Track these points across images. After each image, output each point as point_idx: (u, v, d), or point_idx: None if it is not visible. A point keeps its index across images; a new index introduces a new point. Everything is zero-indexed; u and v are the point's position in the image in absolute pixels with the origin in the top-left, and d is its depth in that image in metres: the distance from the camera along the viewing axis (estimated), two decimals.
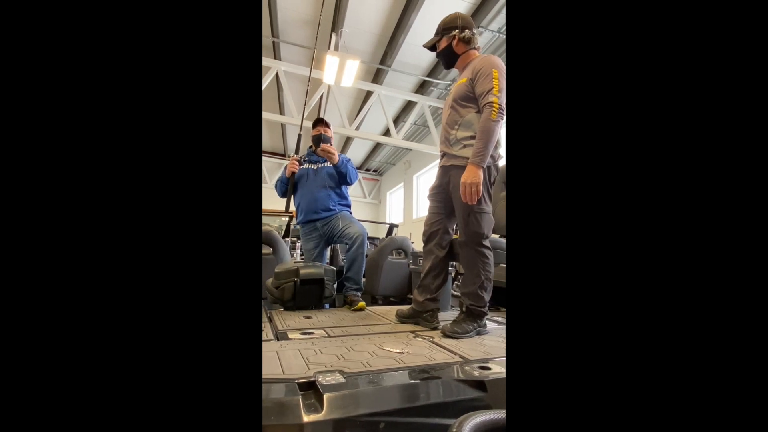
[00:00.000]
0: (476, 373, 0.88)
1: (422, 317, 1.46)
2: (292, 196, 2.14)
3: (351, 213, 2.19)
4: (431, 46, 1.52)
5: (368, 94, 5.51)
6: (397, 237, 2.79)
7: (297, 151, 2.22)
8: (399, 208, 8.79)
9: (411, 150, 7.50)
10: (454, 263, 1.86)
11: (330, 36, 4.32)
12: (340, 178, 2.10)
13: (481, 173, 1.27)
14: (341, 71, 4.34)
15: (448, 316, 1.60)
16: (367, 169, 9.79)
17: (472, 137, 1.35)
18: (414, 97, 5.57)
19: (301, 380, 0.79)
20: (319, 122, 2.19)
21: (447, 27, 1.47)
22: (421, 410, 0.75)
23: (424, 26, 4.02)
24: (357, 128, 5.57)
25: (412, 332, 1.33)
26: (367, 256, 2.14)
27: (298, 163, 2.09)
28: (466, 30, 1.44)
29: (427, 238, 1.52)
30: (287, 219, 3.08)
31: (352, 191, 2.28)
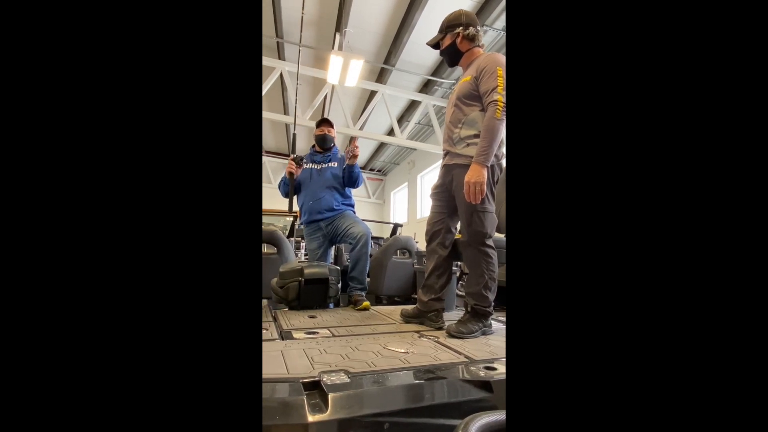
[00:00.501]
0: (482, 374, 0.87)
1: (427, 317, 1.45)
2: (295, 197, 2.15)
3: (355, 212, 2.19)
4: (435, 44, 1.51)
5: (372, 93, 5.51)
6: (402, 236, 2.78)
7: (293, 151, 2.22)
8: (403, 207, 8.78)
9: (415, 149, 7.49)
10: (459, 263, 1.85)
11: (334, 36, 4.32)
12: (350, 180, 2.10)
13: (485, 172, 1.27)
14: (345, 71, 4.34)
15: (452, 316, 1.60)
16: (371, 169, 9.79)
17: (476, 136, 1.34)
18: (418, 97, 5.56)
19: (305, 380, 0.79)
20: (324, 122, 2.19)
21: (451, 24, 1.46)
22: (427, 411, 0.75)
23: (428, 25, 4.01)
24: (361, 128, 5.57)
25: (417, 332, 1.33)
26: (371, 255, 2.14)
27: (294, 164, 2.09)
28: (470, 27, 1.43)
29: (430, 238, 1.52)
30: (291, 219, 3.09)
31: (356, 191, 2.29)
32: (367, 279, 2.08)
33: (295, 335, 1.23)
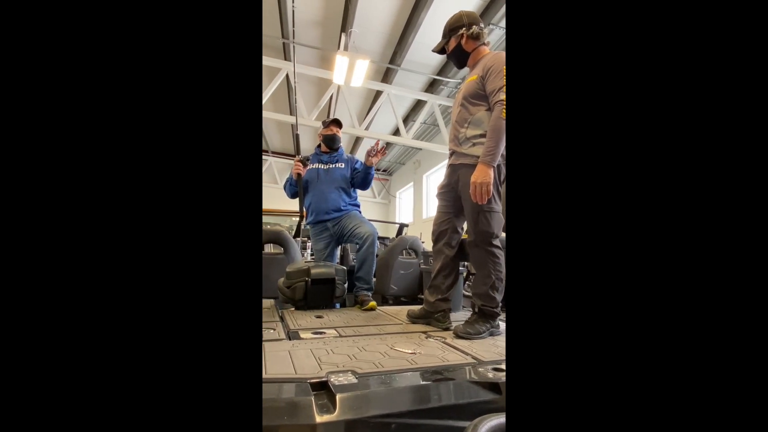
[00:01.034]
0: (490, 375, 0.86)
1: (434, 317, 1.45)
2: (303, 197, 2.15)
3: (360, 213, 2.19)
4: (440, 50, 1.51)
5: (378, 93, 5.51)
6: (408, 237, 2.78)
7: (298, 152, 2.22)
8: (409, 207, 8.76)
9: (421, 149, 7.48)
10: (466, 263, 1.84)
11: (339, 36, 4.33)
12: (364, 181, 2.10)
13: (491, 172, 1.26)
14: (351, 71, 4.34)
15: (459, 316, 1.59)
16: (377, 169, 9.79)
17: (482, 135, 1.33)
18: (424, 96, 5.55)
19: (313, 380, 0.79)
20: (333, 122, 2.19)
21: (453, 27, 1.45)
22: (434, 412, 0.74)
23: (434, 25, 4.00)
24: (366, 128, 5.58)
25: (424, 333, 1.32)
26: (377, 255, 2.14)
27: (302, 164, 2.09)
28: (474, 26, 1.42)
29: (436, 238, 1.51)
30: (298, 219, 3.11)
31: (361, 191, 2.29)
32: (374, 279, 2.08)
33: (302, 335, 1.24)
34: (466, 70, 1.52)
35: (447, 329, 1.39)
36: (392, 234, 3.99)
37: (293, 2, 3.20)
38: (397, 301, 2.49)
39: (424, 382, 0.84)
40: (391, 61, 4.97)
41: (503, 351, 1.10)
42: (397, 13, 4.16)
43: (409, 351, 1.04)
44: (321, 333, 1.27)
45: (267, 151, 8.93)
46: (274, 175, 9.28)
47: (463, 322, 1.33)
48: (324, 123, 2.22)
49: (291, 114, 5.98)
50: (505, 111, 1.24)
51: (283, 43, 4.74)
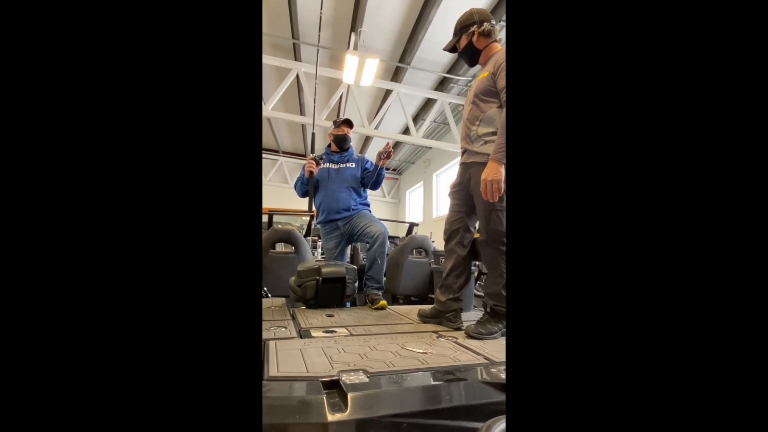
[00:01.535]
0: (502, 376, 0.85)
1: (445, 317, 1.44)
2: (314, 196, 2.16)
3: (371, 212, 2.19)
4: (451, 48, 1.49)
5: (387, 92, 5.50)
6: (418, 236, 2.77)
7: (312, 150, 2.24)
8: (419, 206, 8.74)
9: (431, 148, 7.44)
10: (478, 263, 1.83)
11: (349, 36, 4.34)
12: (376, 181, 2.12)
13: (502, 170, 1.24)
14: (360, 70, 4.35)
15: (471, 316, 1.58)
16: (387, 168, 9.79)
17: (494, 133, 1.31)
18: (434, 95, 5.51)
19: (324, 379, 0.79)
20: (345, 123, 2.20)
21: (464, 25, 1.44)
22: (446, 413, 0.74)
23: (443, 22, 3.97)
24: (376, 127, 5.58)
25: (435, 332, 1.31)
26: (387, 255, 2.14)
27: (315, 163, 2.11)
28: (485, 23, 1.41)
29: (448, 237, 1.50)
30: (308, 218, 3.13)
31: (371, 190, 2.30)
32: (384, 278, 2.08)
33: (313, 334, 1.24)
34: (477, 67, 1.50)
35: (458, 329, 1.38)
36: (402, 233, 3.98)
37: (320, 7, 3.17)
38: (408, 301, 2.48)
39: (435, 383, 0.83)
40: (401, 60, 4.95)
41: None
42: (407, 11, 4.15)
43: (421, 351, 1.04)
44: (332, 332, 1.27)
45: (278, 151, 9.02)
46: (285, 174, 9.36)
47: (474, 322, 1.32)
48: (335, 123, 2.23)
49: (301, 114, 6.02)
50: None
51: (293, 44, 4.77)
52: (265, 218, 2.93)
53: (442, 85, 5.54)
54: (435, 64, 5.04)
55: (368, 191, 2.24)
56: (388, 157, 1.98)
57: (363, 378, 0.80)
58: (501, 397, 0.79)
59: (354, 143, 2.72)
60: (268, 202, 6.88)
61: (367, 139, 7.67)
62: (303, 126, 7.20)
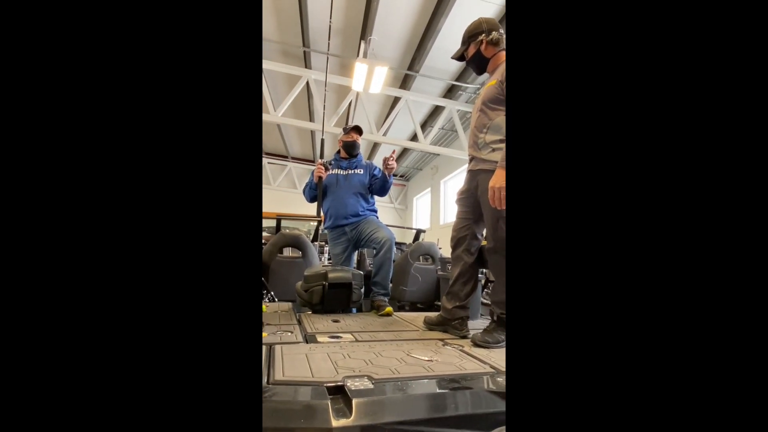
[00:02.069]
0: None
1: (451, 325, 1.43)
2: (322, 201, 2.18)
3: (378, 218, 2.20)
4: (459, 56, 1.51)
5: (396, 99, 5.54)
6: (425, 242, 2.76)
7: (321, 156, 2.26)
8: (426, 213, 8.72)
9: (438, 155, 7.44)
10: (485, 270, 1.81)
11: (359, 43, 4.39)
12: (383, 189, 2.14)
13: None
14: (370, 78, 4.39)
15: (477, 324, 1.56)
16: (394, 175, 9.82)
17: (502, 141, 1.31)
18: (442, 102, 5.53)
19: (329, 384, 0.79)
20: (354, 129, 2.22)
21: (473, 34, 1.45)
22: (451, 421, 0.73)
23: (452, 31, 3.99)
24: (384, 134, 5.61)
25: (441, 340, 1.30)
26: (394, 261, 2.14)
27: (323, 168, 2.13)
28: (493, 32, 1.42)
29: (455, 244, 1.50)
30: (316, 223, 3.15)
31: (379, 197, 2.31)
32: (390, 285, 2.08)
33: (319, 339, 1.24)
34: (485, 75, 1.51)
35: (464, 337, 1.36)
36: (409, 239, 3.98)
37: (330, 16, 3.24)
38: (414, 308, 2.47)
39: (440, 390, 0.82)
40: (410, 68, 4.99)
41: None
42: (416, 20, 4.19)
43: (426, 358, 1.03)
44: (338, 337, 1.27)
45: (287, 157, 9.11)
46: (294, 180, 9.44)
47: (481, 331, 1.31)
48: (345, 129, 2.25)
49: (311, 120, 6.09)
50: None
51: (304, 52, 4.85)
52: (273, 223, 2.96)
53: (450, 92, 5.56)
54: (443, 72, 5.07)
55: (375, 197, 2.25)
56: (391, 169, 2.03)
57: (368, 384, 0.80)
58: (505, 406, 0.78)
59: (362, 150, 2.74)
60: (276, 207, 6.93)
61: (375, 146, 7.71)
62: (312, 132, 7.28)
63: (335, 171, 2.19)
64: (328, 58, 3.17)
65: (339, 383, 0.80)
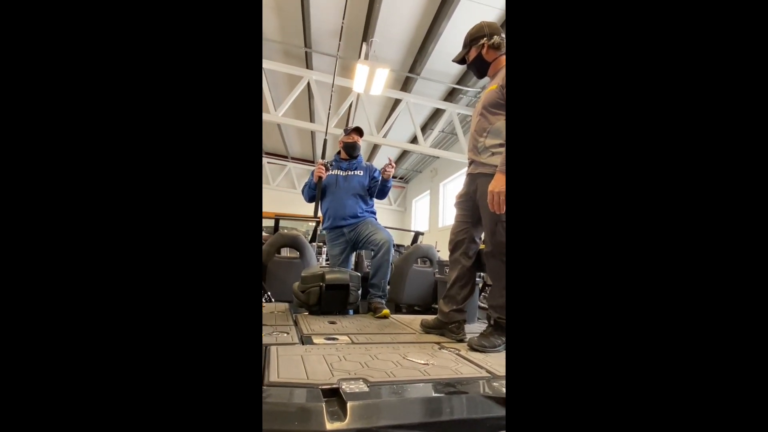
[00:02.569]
0: (505, 390, 0.84)
1: (448, 328, 1.42)
2: (320, 202, 2.18)
3: (376, 220, 2.20)
4: (461, 60, 1.51)
5: (397, 102, 5.54)
6: (423, 245, 2.76)
7: (323, 156, 2.26)
8: (425, 215, 8.72)
9: (438, 158, 7.46)
10: (482, 274, 1.81)
11: (360, 45, 4.40)
12: (382, 192, 2.15)
13: None
14: (371, 80, 4.39)
15: (474, 328, 1.56)
16: (393, 177, 9.82)
17: (501, 145, 1.31)
18: (443, 105, 5.54)
19: (324, 386, 0.78)
20: (355, 131, 2.22)
21: (474, 37, 1.45)
22: (446, 426, 0.72)
23: (454, 34, 4.01)
24: (384, 136, 5.61)
25: (437, 343, 1.30)
26: (392, 263, 2.13)
27: (324, 168, 2.13)
28: (495, 36, 1.42)
29: (453, 247, 1.49)
30: (314, 224, 3.14)
31: (378, 199, 2.32)
32: (387, 287, 2.07)
33: (315, 340, 1.24)
34: (485, 79, 1.51)
35: (461, 341, 1.36)
36: (407, 242, 3.97)
37: (343, 17, 3.27)
38: (411, 310, 2.46)
39: (436, 395, 0.82)
40: (411, 70, 5.00)
41: None
42: (418, 22, 4.20)
43: (422, 362, 1.02)
44: (334, 339, 1.27)
45: (287, 157, 9.10)
46: (293, 180, 9.43)
47: (478, 335, 1.30)
48: (345, 131, 2.25)
49: (311, 121, 6.09)
50: None
51: (306, 52, 4.85)
52: (271, 223, 2.95)
53: (451, 95, 5.57)
54: (444, 75, 5.08)
55: (374, 199, 2.25)
56: (389, 174, 2.06)
57: (363, 387, 0.79)
58: (502, 411, 0.77)
59: (363, 151, 2.75)
60: (275, 207, 6.92)
61: (375, 148, 7.71)
62: (312, 133, 7.28)
63: (335, 172, 2.19)
64: (337, 60, 3.18)
65: (334, 386, 0.79)
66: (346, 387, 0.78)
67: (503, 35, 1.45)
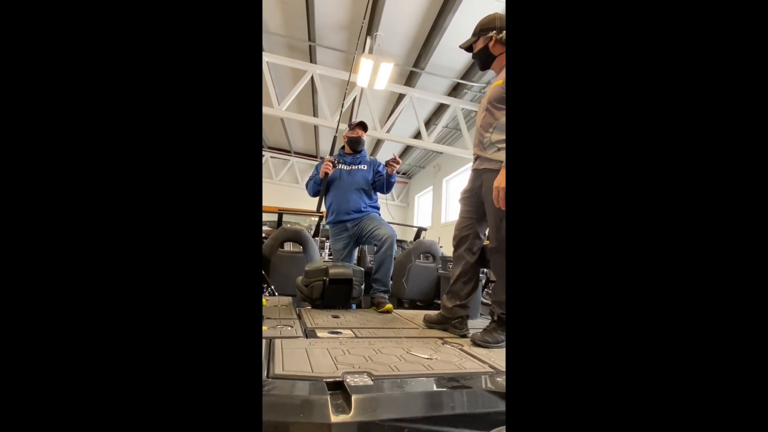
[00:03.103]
0: None
1: (451, 324, 1.43)
2: (324, 197, 2.18)
3: (380, 215, 2.20)
4: (468, 47, 1.50)
5: (400, 96, 5.51)
6: (426, 240, 2.76)
7: (332, 153, 2.25)
8: (427, 211, 8.71)
9: (441, 153, 7.42)
10: (486, 270, 1.81)
11: (365, 39, 4.37)
12: (386, 186, 2.15)
13: None
14: (375, 74, 4.37)
15: (477, 324, 1.56)
16: (397, 172, 9.80)
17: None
18: (447, 100, 5.51)
19: (329, 380, 0.79)
20: (359, 125, 2.22)
21: (484, 28, 1.44)
22: (449, 420, 0.73)
23: (459, 29, 3.97)
24: (388, 131, 5.59)
25: (441, 338, 1.30)
26: (395, 258, 2.14)
27: (332, 165, 2.12)
28: (504, 32, 1.40)
29: (457, 243, 1.49)
30: (317, 219, 3.15)
31: (380, 194, 2.32)
32: (390, 282, 2.08)
33: (318, 334, 1.24)
34: (491, 74, 1.50)
35: (464, 336, 1.36)
36: (410, 237, 3.97)
37: (364, 15, 3.23)
38: (413, 306, 2.47)
39: (439, 389, 0.82)
40: (415, 65, 4.96)
41: None
42: (423, 16, 4.16)
43: (426, 356, 1.03)
44: (337, 333, 1.27)
45: (290, 152, 9.10)
46: (296, 174, 9.43)
47: (481, 330, 1.31)
48: (350, 125, 2.25)
49: (314, 116, 6.07)
50: None
51: (309, 46, 4.83)
52: (274, 217, 2.96)
53: (455, 90, 5.53)
54: (449, 70, 5.04)
55: (378, 194, 2.24)
56: (396, 163, 2.06)
57: (367, 381, 0.80)
58: (505, 406, 0.78)
59: (367, 146, 2.73)
60: (278, 201, 6.92)
61: (378, 143, 7.69)
62: (315, 127, 7.26)
63: (339, 166, 2.18)
64: (356, 55, 3.16)
65: (338, 379, 0.80)
66: (351, 380, 0.79)
67: None
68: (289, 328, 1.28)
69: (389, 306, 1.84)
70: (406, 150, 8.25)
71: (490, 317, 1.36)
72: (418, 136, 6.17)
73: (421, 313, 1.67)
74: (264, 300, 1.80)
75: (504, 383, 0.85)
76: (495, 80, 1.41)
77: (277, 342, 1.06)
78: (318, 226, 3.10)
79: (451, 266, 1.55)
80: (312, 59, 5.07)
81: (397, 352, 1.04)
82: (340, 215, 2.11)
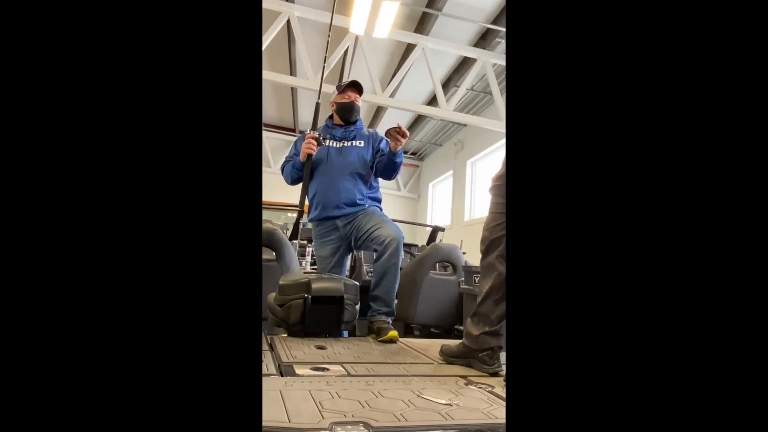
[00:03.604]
0: None
1: (477, 357, 1.44)
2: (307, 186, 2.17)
3: (382, 210, 2.20)
4: None
5: (409, 48, 5.50)
6: (443, 245, 2.77)
7: (314, 127, 2.20)
8: (446, 205, 8.74)
9: (465, 126, 7.42)
10: None
11: None
12: (389, 169, 2.09)
13: None
14: (374, 17, 4.36)
15: None
16: (404, 152, 9.82)
17: None
18: (472, 53, 5.49)
19: None
20: (351, 86, 2.19)
21: None
22: None
23: None
24: (392, 95, 5.59)
25: (463, 377, 1.32)
26: (401, 269, 2.14)
27: (316, 143, 2.09)
28: None
29: (487, 248, 1.49)
30: (296, 214, 3.15)
31: (382, 181, 2.26)
32: (395, 301, 2.09)
33: (298, 371, 1.26)
34: None
35: (495, 374, 1.37)
36: (422, 241, 3.99)
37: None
38: (427, 333, 2.49)
39: None
40: (429, 5, 4.94)
41: None
42: None
43: (443, 401, 1.04)
44: (323, 369, 1.29)
45: None
46: (267, 156, 9.42)
47: None
48: (338, 87, 2.24)
49: (291, 74, 6.07)
50: None
51: None
52: None
53: (483, 39, 5.51)
54: (475, 11, 5.02)
55: (380, 181, 2.23)
56: (403, 135, 1.92)
57: None
58: None
59: (363, 115, 2.71)
60: None
61: (378, 111, 7.69)
62: (293, 90, 7.25)
63: (326, 143, 2.16)
64: None
65: (325, 431, 0.80)
66: None
67: None
68: None
69: (393, 333, 1.86)
70: (417, 121, 8.24)
71: None
72: (433, 102, 6.15)
73: (437, 343, 1.68)
74: None
75: None
76: None
77: None
78: (296, 224, 3.10)
79: (477, 280, 1.55)
80: None
81: (404, 396, 1.06)
82: (328, 210, 2.11)
